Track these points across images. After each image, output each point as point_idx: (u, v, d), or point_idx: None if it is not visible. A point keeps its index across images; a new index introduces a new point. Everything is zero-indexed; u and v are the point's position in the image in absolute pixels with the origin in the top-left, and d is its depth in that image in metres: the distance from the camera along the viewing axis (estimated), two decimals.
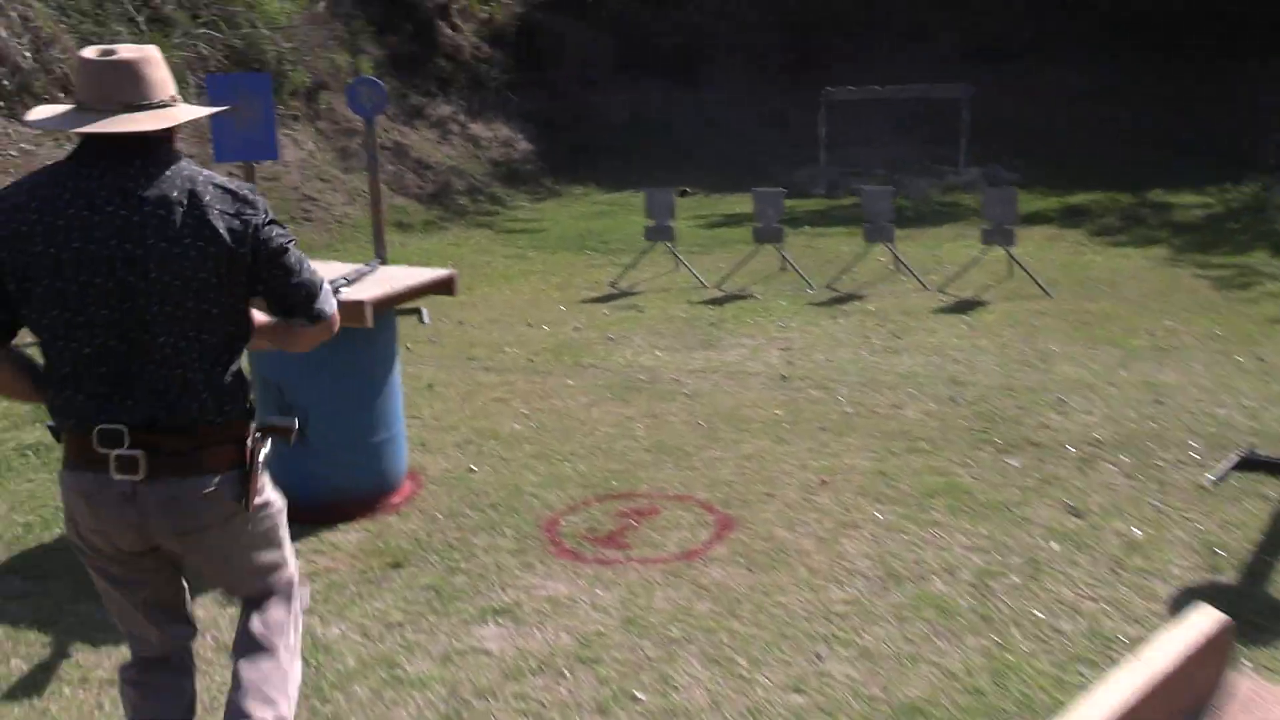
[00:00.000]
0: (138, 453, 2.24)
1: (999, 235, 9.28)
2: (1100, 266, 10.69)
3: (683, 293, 9.86)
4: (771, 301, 9.31)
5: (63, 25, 11.62)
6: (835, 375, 6.88)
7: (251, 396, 2.45)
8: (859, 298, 9.37)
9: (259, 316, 2.51)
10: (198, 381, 2.28)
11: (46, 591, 4.05)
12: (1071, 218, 13.95)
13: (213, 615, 3.73)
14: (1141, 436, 5.53)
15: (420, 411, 6.24)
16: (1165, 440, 5.46)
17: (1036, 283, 9.36)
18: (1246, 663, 3.26)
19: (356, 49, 16.69)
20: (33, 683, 3.41)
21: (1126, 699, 1.17)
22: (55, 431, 2.38)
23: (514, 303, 9.63)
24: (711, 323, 8.55)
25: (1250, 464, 4.99)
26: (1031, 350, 7.39)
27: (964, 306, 8.88)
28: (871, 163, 18.35)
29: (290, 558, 2.70)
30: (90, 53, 2.28)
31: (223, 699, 2.59)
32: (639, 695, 3.24)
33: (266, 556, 2.58)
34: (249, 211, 2.30)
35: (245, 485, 2.37)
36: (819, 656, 3.43)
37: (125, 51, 2.26)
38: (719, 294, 9.78)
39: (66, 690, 3.36)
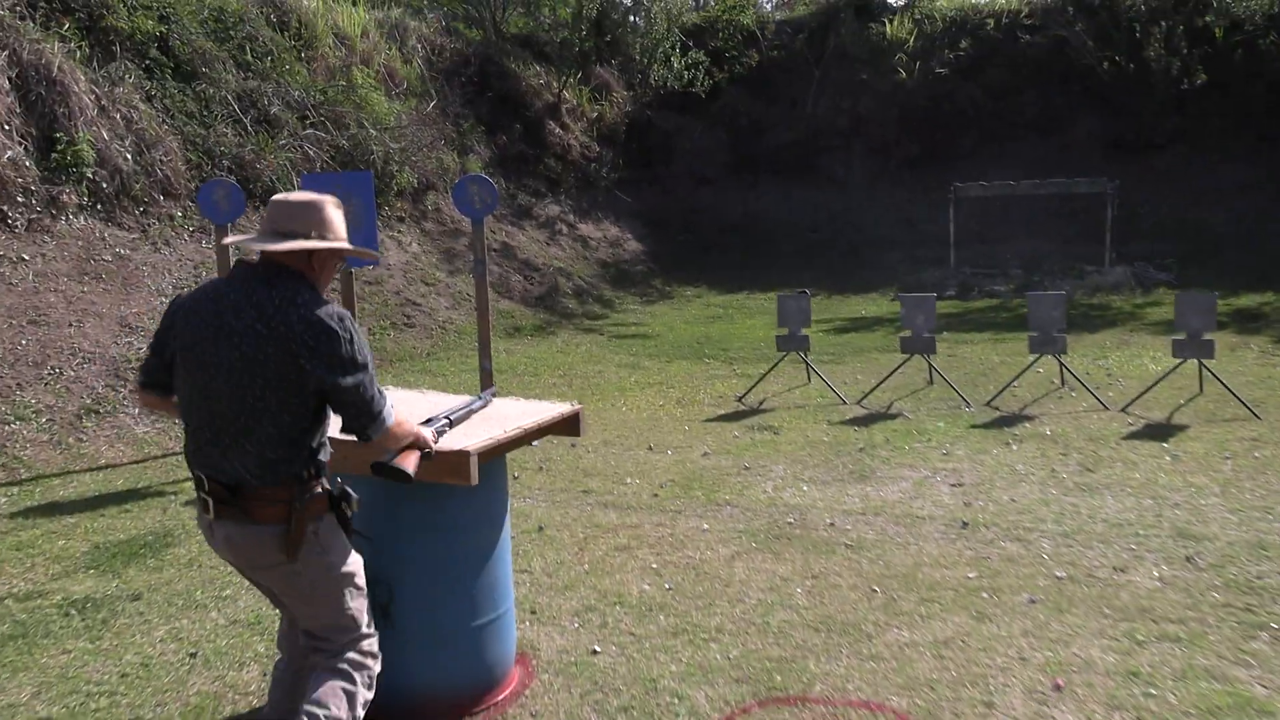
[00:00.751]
0: (208, 497, 2.89)
1: (1194, 347, 7.99)
2: None
3: (820, 410, 8.74)
4: (926, 422, 8.13)
5: (167, 127, 11.25)
6: (1028, 522, 5.66)
7: (309, 470, 2.92)
8: (1028, 419, 8.12)
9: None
10: (248, 449, 2.85)
11: None
12: (1246, 323, 12.48)
13: None
14: None
15: (530, 563, 5.22)
16: None
17: (1241, 402, 8.00)
18: None
19: (465, 149, 16.24)
20: None
21: None
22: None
23: (631, 421, 8.63)
24: (861, 448, 7.41)
25: None
26: (1267, 491, 6.06)
27: (1159, 431, 7.57)
28: (1006, 262, 17.10)
29: (360, 621, 3.09)
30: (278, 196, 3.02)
31: None
32: None
33: (324, 610, 3.03)
34: (319, 341, 2.83)
35: (286, 539, 2.89)
36: None
37: (295, 194, 3.03)
38: (862, 411, 8.64)
39: None
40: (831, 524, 5.75)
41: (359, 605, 3.08)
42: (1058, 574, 4.88)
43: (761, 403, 9.12)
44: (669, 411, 8.95)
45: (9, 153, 9.46)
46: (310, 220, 2.94)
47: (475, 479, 3.35)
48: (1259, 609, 4.40)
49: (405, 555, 3.57)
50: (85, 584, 5.14)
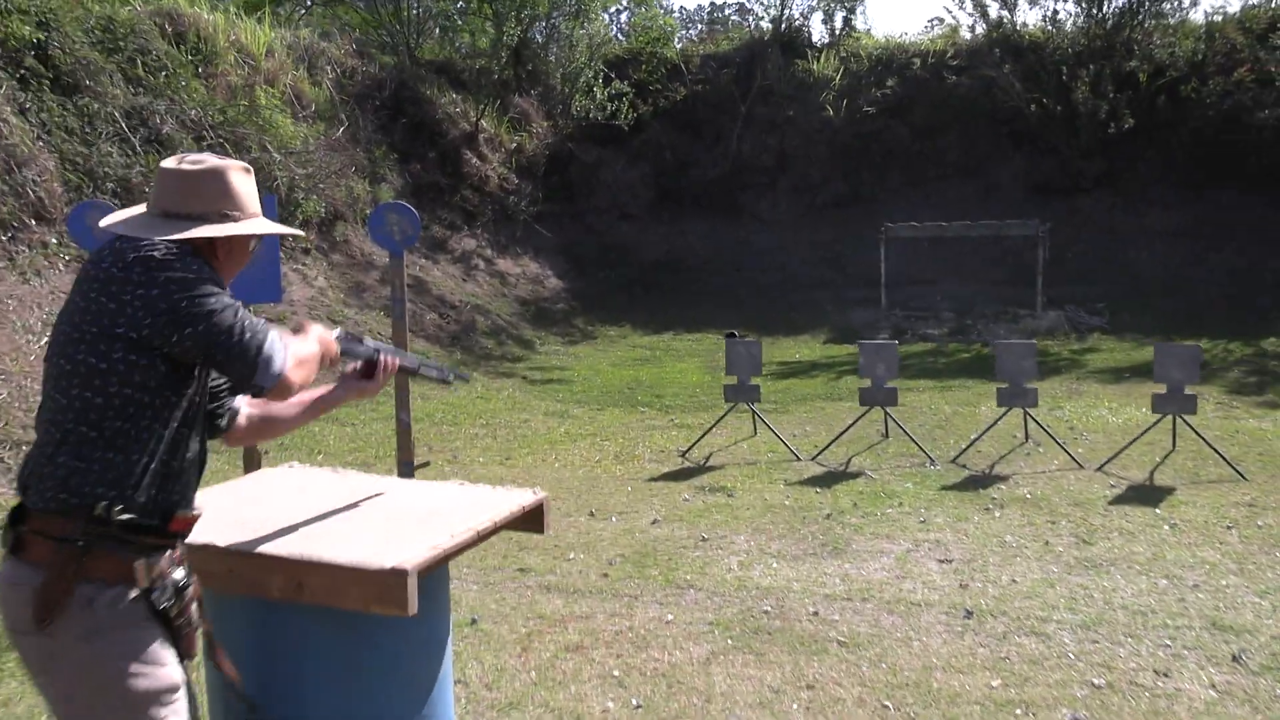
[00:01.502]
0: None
1: (1176, 402, 7.44)
2: (1276, 436, 8.80)
3: (774, 468, 7.98)
4: (893, 483, 7.42)
5: (42, 144, 10.07)
6: (1039, 610, 4.93)
7: (108, 499, 2.07)
8: (1001, 479, 7.47)
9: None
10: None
11: None
12: None
13: None
14: None
15: (464, 670, 4.30)
16: None
17: (1229, 464, 7.47)
18: None
19: (377, 177, 15.25)
20: None
21: None
22: None
23: (567, 480, 7.74)
24: (828, 514, 6.64)
25: None
26: None
27: (1146, 495, 6.97)
28: (937, 305, 16.69)
29: None
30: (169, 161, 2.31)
31: None
32: None
33: None
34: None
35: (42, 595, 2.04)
36: None
37: (191, 160, 2.30)
38: (819, 469, 7.90)
39: None
40: (815, 613, 4.95)
41: None
42: (1094, 680, 4.14)
43: (708, 459, 8.32)
44: (607, 469, 8.09)
45: None
46: (214, 195, 2.27)
47: (414, 607, 2.47)
48: None
49: (319, 702, 2.66)
50: None
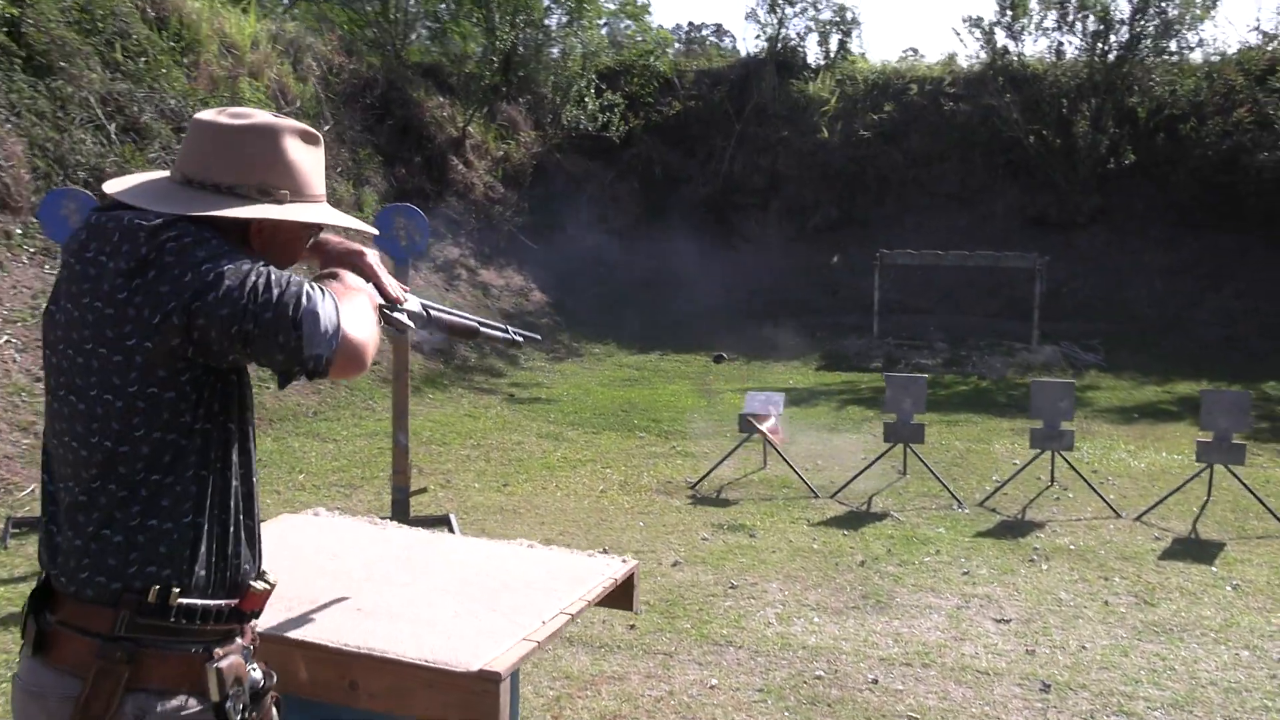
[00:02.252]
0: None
1: (1222, 452, 7.02)
2: None
3: (792, 505, 7.47)
4: (923, 527, 6.93)
5: (10, 127, 9.39)
6: (1121, 684, 4.45)
7: (161, 579, 1.55)
8: (1037, 526, 7.01)
9: None
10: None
11: None
12: (1197, 414, 11.74)
13: None
14: None
15: None
16: None
17: (1277, 518, 7.06)
18: None
19: (361, 179, 14.64)
20: None
21: None
22: None
23: (571, 510, 7.19)
24: (862, 561, 6.14)
25: None
26: None
27: (1196, 550, 6.53)
28: (930, 335, 16.30)
29: None
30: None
31: None
32: None
33: None
34: None
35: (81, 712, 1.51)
36: None
37: (231, 113, 1.72)
38: (840, 508, 7.40)
39: None
40: (875, 680, 4.43)
41: None
42: None
43: (719, 492, 7.80)
44: (613, 499, 7.54)
45: None
46: (256, 162, 1.67)
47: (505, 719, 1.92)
48: None
49: None
50: None
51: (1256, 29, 21.16)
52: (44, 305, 1.75)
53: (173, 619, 1.55)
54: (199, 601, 1.57)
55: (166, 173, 1.73)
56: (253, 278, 1.51)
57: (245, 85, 12.79)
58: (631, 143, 19.83)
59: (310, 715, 2.06)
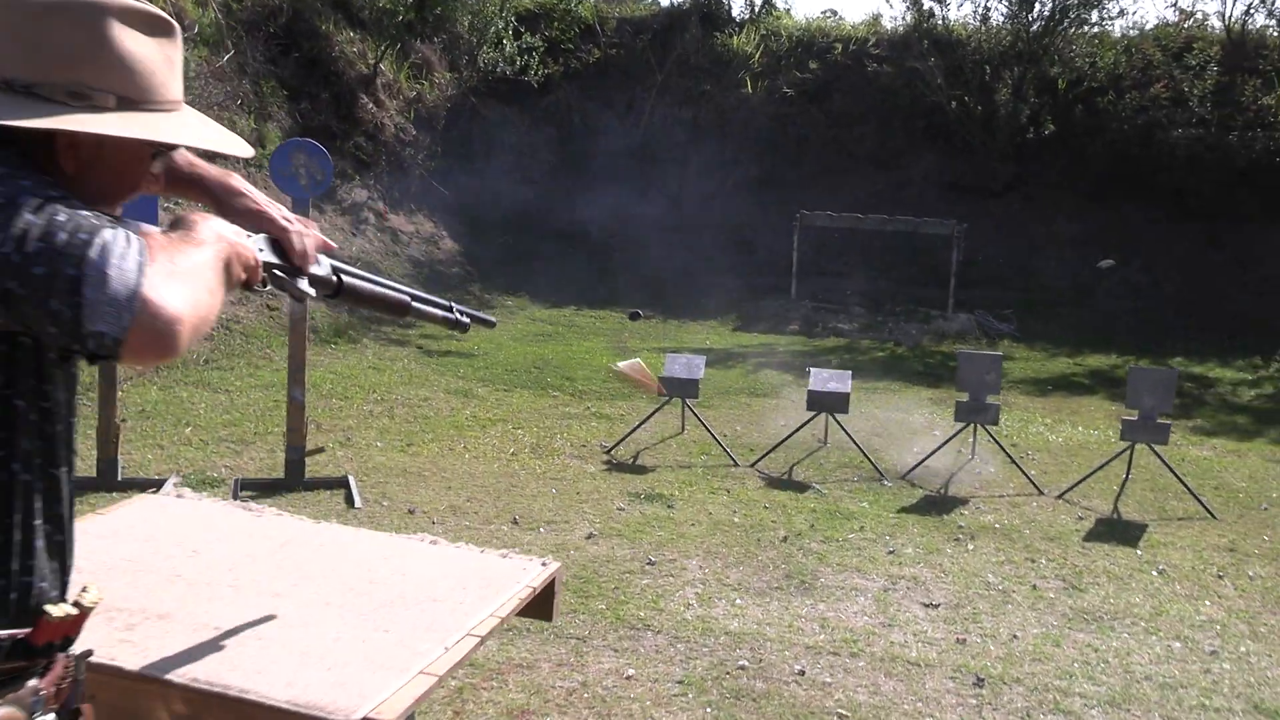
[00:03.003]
0: None
1: (1148, 430, 6.92)
2: (1223, 468, 8.43)
3: (711, 474, 7.18)
4: (846, 500, 6.71)
5: None
6: (1055, 678, 4.26)
7: None
8: (960, 502, 6.84)
9: None
10: None
11: None
12: (1109, 388, 11.82)
13: None
14: None
15: None
16: None
17: (1200, 503, 7.00)
18: None
19: (264, 114, 13.82)
20: None
21: None
22: None
23: (480, 476, 6.78)
24: (784, 537, 5.87)
25: None
26: None
27: (1119, 531, 6.43)
28: (848, 299, 16.18)
29: None
30: None
31: None
32: None
33: None
34: None
35: None
36: None
37: None
38: (760, 479, 7.14)
39: None
40: (801, 671, 4.16)
41: None
42: None
43: (636, 458, 7.47)
44: (525, 464, 7.16)
45: None
46: (67, 52, 1.24)
47: None
48: None
49: None
50: None
51: (1173, 5, 21.39)
52: None
53: None
54: None
55: None
56: (26, 216, 1.09)
57: None
58: (550, 89, 19.19)
59: None
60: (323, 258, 1.67)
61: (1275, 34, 18.46)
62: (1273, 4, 18.04)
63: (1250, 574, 5.74)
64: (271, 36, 14.83)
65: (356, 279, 1.74)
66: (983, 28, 18.58)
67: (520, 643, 4.26)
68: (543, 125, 19.30)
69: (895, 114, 18.81)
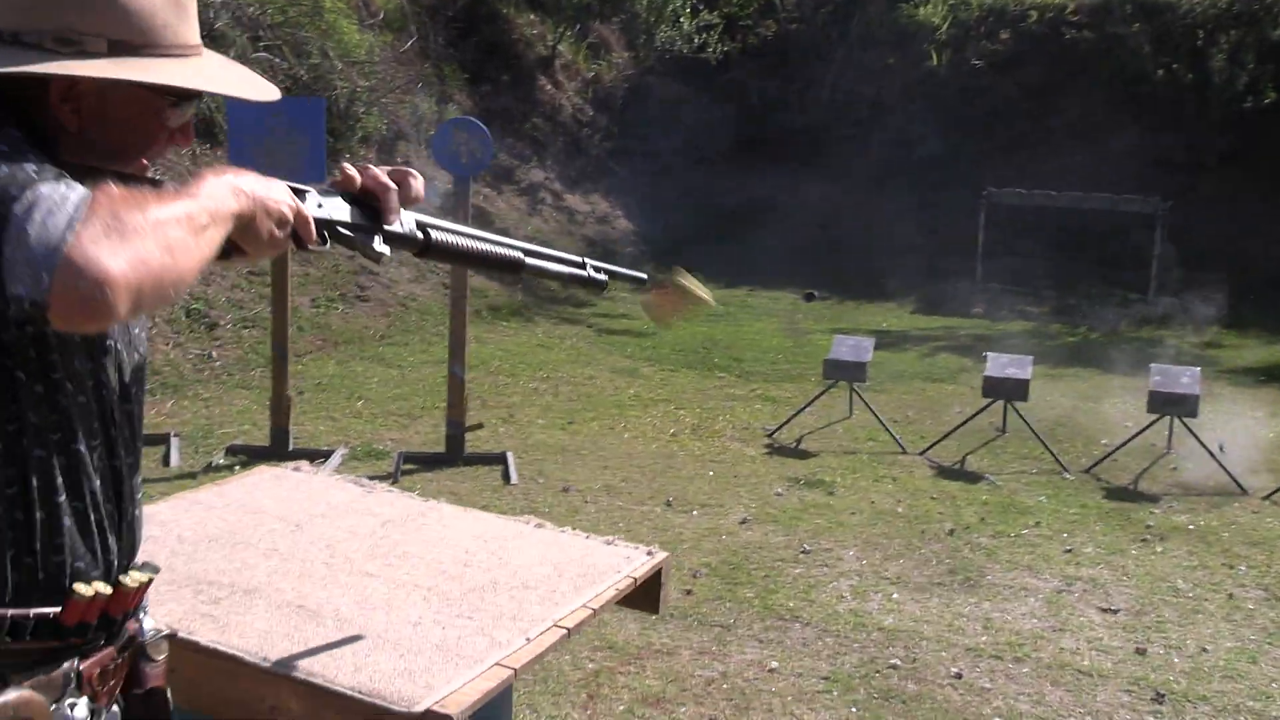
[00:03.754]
0: None
1: None
2: None
3: (877, 461, 6.88)
4: (1023, 494, 6.29)
5: None
6: (1249, 699, 3.83)
7: None
8: (1150, 499, 6.32)
9: None
10: None
11: None
12: None
13: None
14: None
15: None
16: None
17: None
18: None
19: (445, 97, 14.17)
20: None
21: None
22: None
23: (638, 455, 6.71)
24: (951, 530, 5.55)
25: None
26: None
27: None
28: (1039, 282, 15.33)
29: None
30: None
31: None
32: None
33: None
34: None
35: None
36: None
37: None
38: (930, 468, 6.79)
39: None
40: (958, 675, 3.89)
41: None
42: None
43: (799, 442, 7.24)
44: (684, 445, 7.05)
45: None
46: None
47: None
48: None
49: None
50: None
51: None
52: None
53: None
54: None
55: None
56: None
57: None
58: (728, 67, 18.98)
59: None
60: (406, 213, 1.54)
61: None
62: None
63: None
64: (452, 20, 15.18)
65: (450, 234, 1.60)
66: None
67: (662, 628, 4.15)
68: (720, 104, 19.08)
69: (1095, 85, 17.69)
